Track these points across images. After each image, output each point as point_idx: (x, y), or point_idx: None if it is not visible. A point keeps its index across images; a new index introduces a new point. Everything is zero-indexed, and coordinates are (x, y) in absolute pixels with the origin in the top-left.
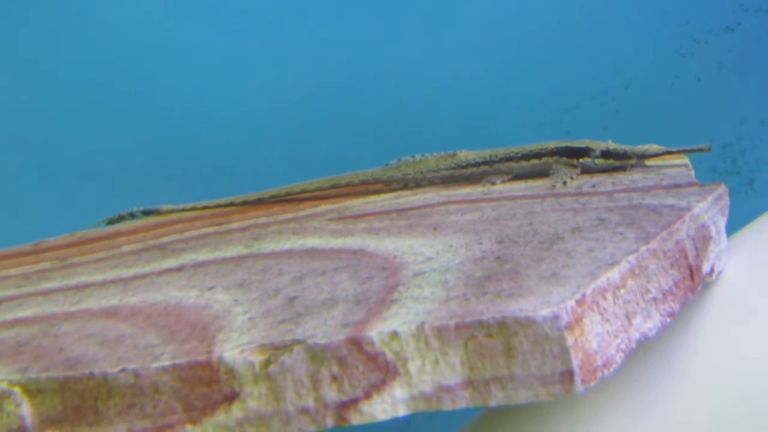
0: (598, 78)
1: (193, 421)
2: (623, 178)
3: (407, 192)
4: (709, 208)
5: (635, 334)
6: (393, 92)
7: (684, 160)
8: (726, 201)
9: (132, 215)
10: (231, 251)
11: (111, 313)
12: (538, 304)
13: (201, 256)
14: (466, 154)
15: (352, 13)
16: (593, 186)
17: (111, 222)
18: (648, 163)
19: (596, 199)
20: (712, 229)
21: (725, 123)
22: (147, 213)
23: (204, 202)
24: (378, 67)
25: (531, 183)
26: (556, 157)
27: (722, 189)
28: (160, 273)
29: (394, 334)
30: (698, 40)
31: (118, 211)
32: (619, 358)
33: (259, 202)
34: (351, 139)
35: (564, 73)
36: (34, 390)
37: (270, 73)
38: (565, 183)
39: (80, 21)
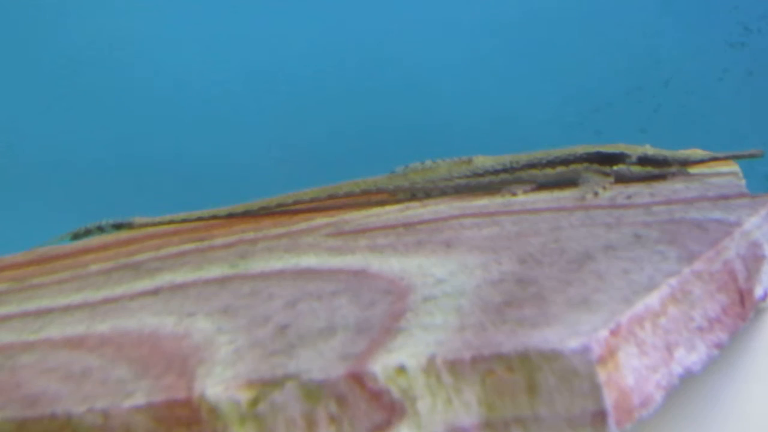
0: (634, 72)
1: None
2: (663, 188)
3: (416, 203)
4: (762, 224)
5: (677, 369)
6: (400, 88)
7: (733, 167)
8: None
9: (101, 229)
10: (214, 271)
11: (76, 343)
12: (565, 335)
13: (180, 276)
14: (483, 161)
15: (359, 7)
16: (629, 197)
17: (77, 236)
18: (691, 170)
19: (632, 213)
20: (766, 247)
21: None
22: (118, 226)
23: (183, 215)
24: (383, 59)
25: (557, 193)
26: (586, 164)
27: None
28: (133, 296)
29: (401, 369)
30: (750, 28)
31: (84, 223)
32: (659, 396)
33: (247, 215)
34: (351, 141)
35: (595, 66)
36: None
37: (258, 63)
38: (596, 194)
39: (40, 16)
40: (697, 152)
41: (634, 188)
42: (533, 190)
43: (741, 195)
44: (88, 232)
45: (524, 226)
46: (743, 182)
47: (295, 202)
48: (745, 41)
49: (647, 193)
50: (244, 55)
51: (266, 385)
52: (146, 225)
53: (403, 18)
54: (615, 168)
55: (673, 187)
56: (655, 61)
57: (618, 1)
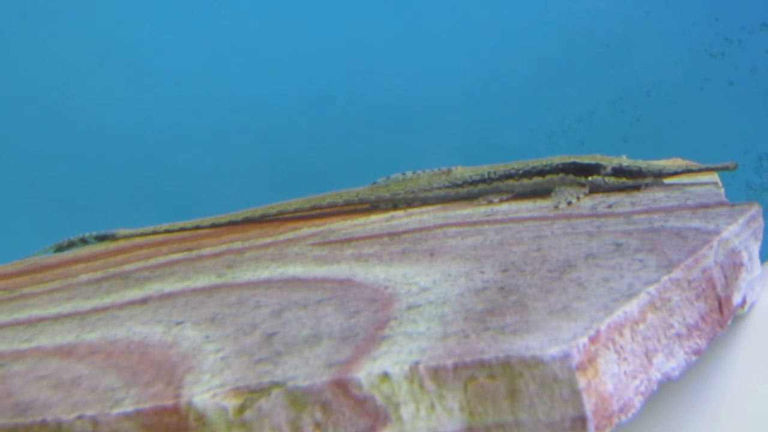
0: (617, 82)
1: None
2: (644, 197)
3: (400, 213)
4: (740, 232)
5: (656, 375)
6: (382, 97)
7: (713, 176)
8: (760, 223)
9: (84, 241)
10: (202, 281)
11: (66, 352)
12: (546, 342)
13: (168, 286)
14: (461, 171)
15: (340, 10)
16: (610, 206)
17: (60, 249)
18: (670, 180)
19: (613, 222)
20: (744, 255)
21: (761, 132)
22: (101, 238)
23: (166, 225)
24: (364, 68)
25: (540, 203)
26: (561, 175)
27: (755, 209)
28: (122, 306)
29: (385, 376)
30: (730, 39)
31: (67, 236)
32: (637, 402)
33: (231, 225)
34: (334, 152)
35: (579, 76)
36: None
37: (241, 73)
38: (569, 203)
39: (30, 21)
40: (678, 161)
41: (615, 197)
42: (513, 198)
43: (720, 204)
44: (71, 245)
45: (507, 235)
46: (722, 191)
47: (279, 213)
48: (725, 52)
49: (628, 202)
50: (228, 66)
51: (253, 393)
52: (129, 236)
53: (385, 26)
54: (590, 179)
55: (654, 196)
56: (637, 71)
57: (601, 11)
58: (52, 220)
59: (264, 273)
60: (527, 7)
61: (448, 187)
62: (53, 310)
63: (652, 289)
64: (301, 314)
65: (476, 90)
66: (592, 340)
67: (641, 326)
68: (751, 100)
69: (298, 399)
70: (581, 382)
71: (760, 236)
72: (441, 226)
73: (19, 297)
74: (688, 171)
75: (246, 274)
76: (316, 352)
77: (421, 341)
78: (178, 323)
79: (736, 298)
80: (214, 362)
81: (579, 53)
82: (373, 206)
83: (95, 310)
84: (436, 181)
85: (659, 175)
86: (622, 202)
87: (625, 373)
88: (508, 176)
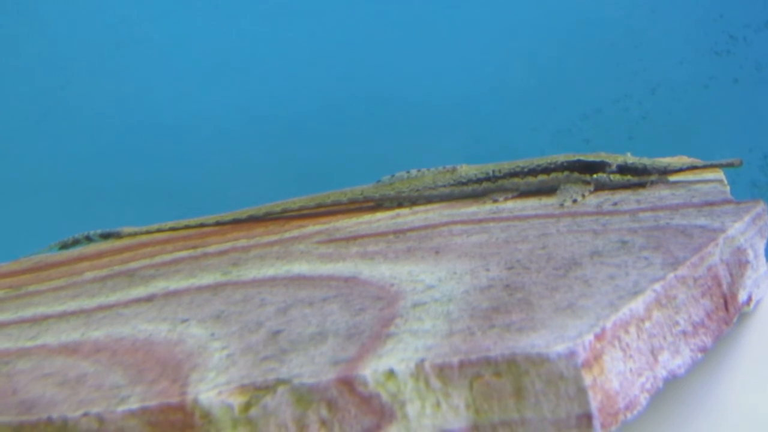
0: (622, 80)
1: None
2: (649, 195)
3: (406, 211)
4: (745, 229)
5: (662, 372)
6: (387, 96)
7: (718, 174)
8: (765, 221)
9: (89, 239)
10: (207, 278)
11: (72, 350)
12: (551, 340)
13: (173, 284)
14: (466, 170)
15: (347, 10)
16: (615, 204)
17: (65, 246)
18: (675, 178)
19: (618, 219)
20: (750, 252)
21: (766, 130)
22: (106, 236)
23: (171, 223)
24: (369, 67)
25: (545, 200)
26: (566, 173)
27: (761, 207)
28: (127, 303)
29: (391, 374)
30: (735, 37)
31: (72, 233)
32: (643, 400)
33: (236, 223)
34: (339, 150)
35: (584, 75)
36: None
37: (245, 74)
38: (574, 201)
39: (36, 20)
40: (683, 159)
41: (620, 195)
42: (518, 196)
43: (725, 201)
44: (76, 242)
45: (512, 232)
46: (728, 188)
47: (284, 211)
48: (730, 49)
49: (633, 200)
50: (232, 64)
51: (258, 390)
52: (134, 234)
53: (391, 24)
54: (595, 176)
55: (659, 194)
56: (642, 69)
57: (606, 9)
58: (57, 218)
59: (269, 271)
60: (532, 5)
61: (453, 185)
62: (58, 308)
63: (657, 286)
64: (307, 312)
65: (481, 89)
66: (598, 337)
67: (647, 324)
68: (756, 97)
69: (304, 396)
70: (587, 379)
71: (766, 234)
72: (446, 224)
73: (24, 295)
74: (693, 168)
75: (251, 272)
76: (321, 350)
77: (426, 339)
78: (184, 321)
79: (742, 296)
80: (220, 360)
81: (584, 51)
82: (377, 204)
83: (100, 308)
84: (441, 180)
85: (664, 172)
86: (628, 199)
87: (630, 370)
88: (513, 174)
